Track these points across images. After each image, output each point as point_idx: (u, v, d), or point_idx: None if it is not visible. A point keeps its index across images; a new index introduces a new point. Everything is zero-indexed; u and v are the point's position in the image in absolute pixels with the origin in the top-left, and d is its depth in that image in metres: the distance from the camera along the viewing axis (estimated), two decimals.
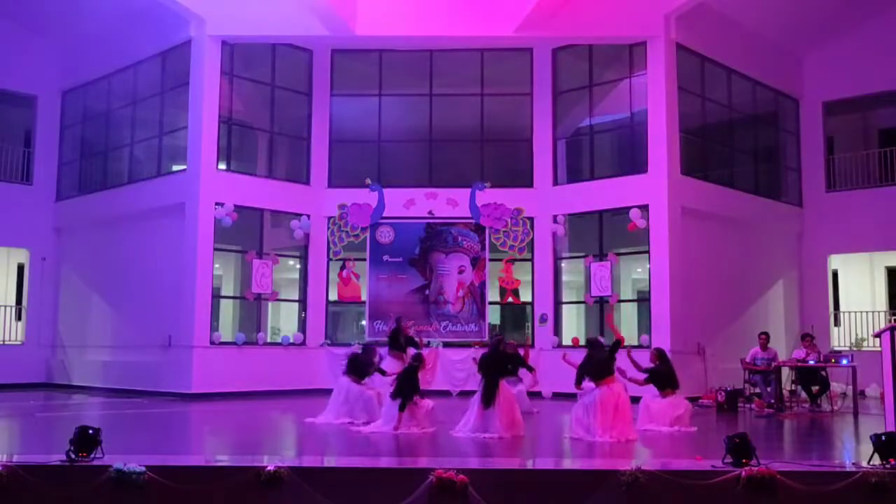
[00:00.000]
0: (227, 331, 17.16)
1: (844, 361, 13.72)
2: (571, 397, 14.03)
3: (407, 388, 10.51)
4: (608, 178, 17.16)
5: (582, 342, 16.56)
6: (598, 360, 10.20)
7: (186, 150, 16.84)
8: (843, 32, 19.29)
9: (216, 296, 16.98)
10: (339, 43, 17.68)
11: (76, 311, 19.30)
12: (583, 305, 17.78)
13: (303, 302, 17.92)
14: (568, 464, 8.55)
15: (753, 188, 18.72)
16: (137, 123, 18.52)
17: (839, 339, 19.21)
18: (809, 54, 19.96)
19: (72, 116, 20.30)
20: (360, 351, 12.72)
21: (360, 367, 12.02)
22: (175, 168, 17.77)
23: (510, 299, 17.72)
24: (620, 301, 17.10)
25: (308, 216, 17.71)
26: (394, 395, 10.54)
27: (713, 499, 6.43)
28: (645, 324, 16.48)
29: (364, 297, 17.68)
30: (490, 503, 6.35)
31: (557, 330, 17.23)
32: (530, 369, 13.35)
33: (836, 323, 19.56)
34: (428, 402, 10.88)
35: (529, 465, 8.17)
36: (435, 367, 16.85)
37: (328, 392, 12.40)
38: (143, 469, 6.44)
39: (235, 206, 16.61)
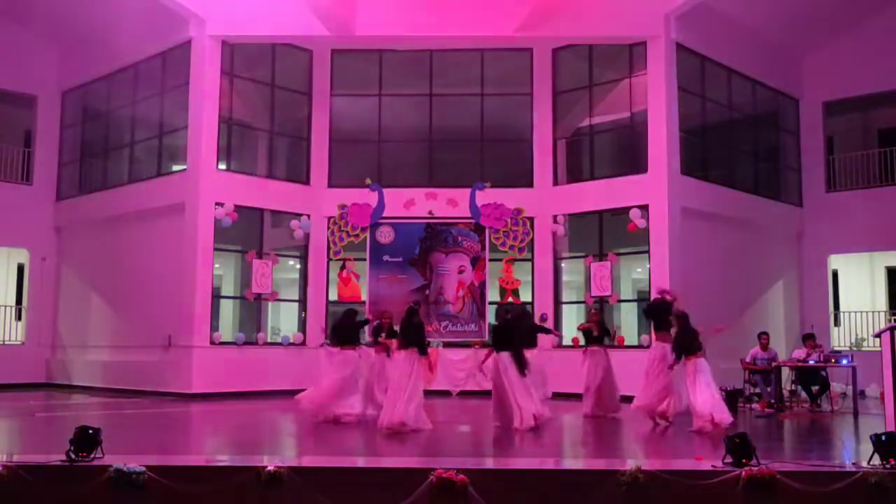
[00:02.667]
0: (227, 331, 17.16)
1: (844, 361, 13.72)
2: (573, 397, 14.07)
3: (413, 334, 10.54)
4: (608, 178, 17.16)
5: (582, 342, 16.56)
6: (689, 335, 10.82)
7: (186, 150, 16.85)
8: (842, 32, 19.28)
9: (216, 296, 16.99)
10: (339, 43, 17.67)
11: (76, 311, 19.30)
12: (583, 305, 17.77)
13: (303, 302, 17.92)
14: (568, 464, 8.56)
15: (753, 188, 18.72)
16: (137, 123, 18.52)
17: (839, 339, 19.20)
18: (809, 54, 19.95)
19: (72, 116, 20.31)
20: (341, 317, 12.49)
21: (347, 331, 11.90)
22: (175, 168, 17.78)
23: (510, 299, 17.70)
24: (620, 301, 17.10)
25: (308, 216, 17.71)
26: (402, 345, 10.52)
27: (713, 499, 6.42)
28: (645, 324, 16.45)
29: (364, 297, 17.67)
30: (490, 503, 6.34)
31: (557, 330, 17.19)
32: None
33: (836, 323, 19.56)
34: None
35: (529, 465, 8.16)
36: (435, 367, 16.85)
37: None
38: (143, 469, 6.44)
39: (235, 206, 16.62)
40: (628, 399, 12.25)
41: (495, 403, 10.91)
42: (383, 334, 12.48)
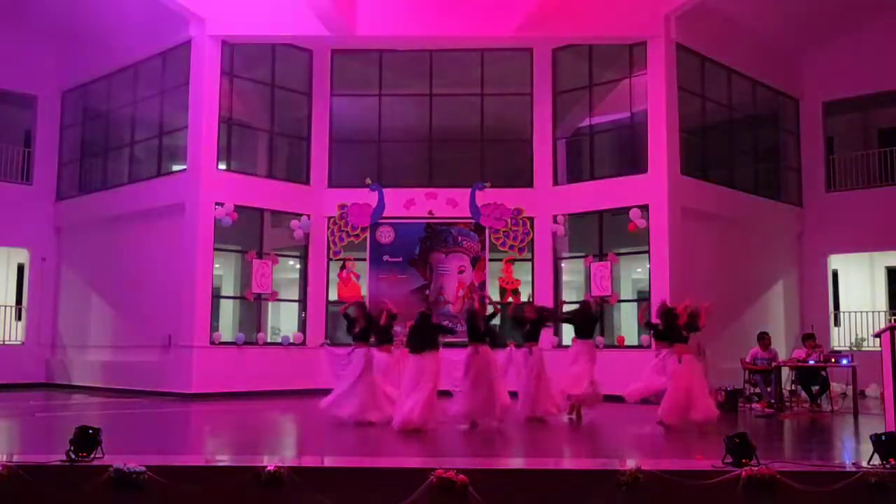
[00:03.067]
0: (227, 331, 17.16)
1: (844, 361, 13.71)
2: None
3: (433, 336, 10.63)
4: (608, 178, 17.16)
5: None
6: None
7: (186, 150, 16.85)
8: (842, 32, 19.26)
9: (216, 296, 16.99)
10: (339, 43, 17.67)
11: (76, 311, 19.30)
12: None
13: (303, 302, 17.92)
14: (568, 464, 8.56)
15: (753, 188, 18.71)
16: (137, 123, 18.53)
17: (839, 339, 19.20)
18: (809, 54, 19.94)
19: (72, 116, 20.31)
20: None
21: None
22: (175, 168, 17.79)
23: (510, 299, 17.69)
24: (620, 301, 17.09)
25: (308, 216, 17.71)
26: (415, 350, 10.50)
27: (713, 499, 6.42)
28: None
29: (364, 297, 17.65)
30: (490, 503, 6.34)
31: (557, 330, 17.19)
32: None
33: (836, 323, 19.56)
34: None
35: (529, 465, 8.16)
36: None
37: (327, 392, 12.16)
38: (143, 469, 6.43)
39: (235, 206, 16.62)
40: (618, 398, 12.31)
41: (476, 398, 10.89)
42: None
